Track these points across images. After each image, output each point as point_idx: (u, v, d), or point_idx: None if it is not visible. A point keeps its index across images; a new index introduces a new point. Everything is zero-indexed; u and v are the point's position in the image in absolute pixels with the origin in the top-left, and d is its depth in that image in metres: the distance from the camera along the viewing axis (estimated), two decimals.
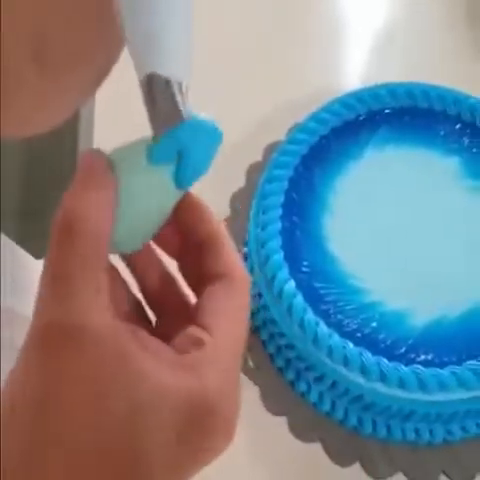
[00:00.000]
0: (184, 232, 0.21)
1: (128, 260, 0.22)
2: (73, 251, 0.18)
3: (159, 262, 0.23)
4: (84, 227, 0.18)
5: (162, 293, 0.22)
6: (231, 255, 0.21)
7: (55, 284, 0.18)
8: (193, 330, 0.19)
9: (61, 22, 0.23)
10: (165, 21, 0.19)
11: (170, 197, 0.21)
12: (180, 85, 0.19)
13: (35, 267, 0.41)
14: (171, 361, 0.18)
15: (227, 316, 0.19)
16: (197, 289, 0.21)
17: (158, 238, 0.22)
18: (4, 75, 0.20)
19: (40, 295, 0.18)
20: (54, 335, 0.17)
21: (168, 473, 0.18)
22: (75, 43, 0.24)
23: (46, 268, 0.18)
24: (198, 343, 0.18)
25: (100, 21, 0.23)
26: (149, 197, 0.20)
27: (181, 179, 0.20)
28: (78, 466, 0.17)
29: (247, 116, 0.46)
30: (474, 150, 0.41)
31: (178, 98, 0.19)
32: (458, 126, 0.41)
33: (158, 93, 0.19)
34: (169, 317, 0.22)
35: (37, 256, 0.45)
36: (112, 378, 0.17)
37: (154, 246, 0.22)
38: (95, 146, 0.45)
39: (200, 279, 0.21)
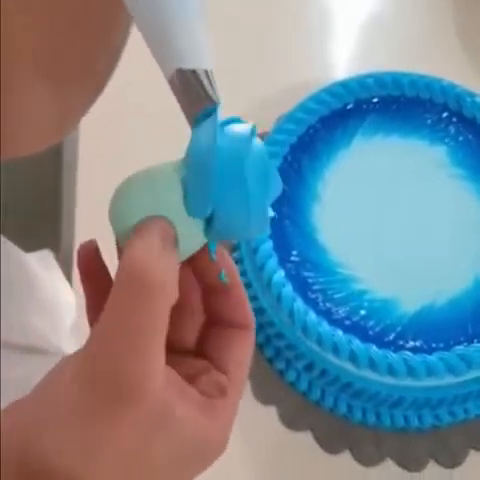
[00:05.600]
0: (198, 269, 0.22)
1: None
2: (152, 310, 0.18)
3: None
4: (164, 290, 0.18)
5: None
6: (249, 308, 0.22)
7: (129, 339, 0.18)
8: (219, 377, 0.20)
9: (64, 37, 0.23)
10: (178, 15, 0.19)
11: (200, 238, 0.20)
12: (206, 72, 0.20)
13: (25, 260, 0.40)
14: (202, 406, 0.20)
15: (243, 368, 0.21)
16: (205, 325, 0.22)
17: None
18: (8, 92, 0.21)
19: (108, 341, 0.18)
20: (111, 388, 0.18)
21: None
22: (77, 57, 0.23)
23: (118, 315, 0.18)
24: (223, 392, 0.20)
25: (101, 32, 0.23)
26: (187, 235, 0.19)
27: (210, 235, 0.20)
28: None
29: (234, 107, 0.46)
30: (460, 138, 0.41)
31: (206, 84, 0.20)
32: (445, 115, 0.41)
33: (188, 86, 0.19)
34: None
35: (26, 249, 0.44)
36: (157, 434, 0.18)
37: None
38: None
39: (211, 317, 0.22)
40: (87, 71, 0.25)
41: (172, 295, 0.19)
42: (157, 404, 0.18)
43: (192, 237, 0.20)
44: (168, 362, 0.19)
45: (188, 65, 0.19)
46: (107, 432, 0.18)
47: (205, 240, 0.20)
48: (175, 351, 0.21)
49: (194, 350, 0.22)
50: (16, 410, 0.19)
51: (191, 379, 0.20)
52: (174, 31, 0.19)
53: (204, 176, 0.19)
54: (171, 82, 0.20)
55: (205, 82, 0.19)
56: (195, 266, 0.22)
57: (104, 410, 0.18)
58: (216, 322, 0.22)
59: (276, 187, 0.21)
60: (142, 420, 0.18)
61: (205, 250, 0.21)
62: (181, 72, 0.19)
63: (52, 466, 0.18)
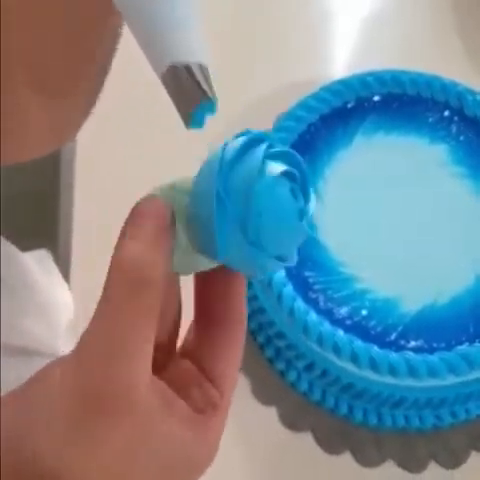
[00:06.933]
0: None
1: None
2: (141, 317, 0.18)
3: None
4: (154, 294, 0.18)
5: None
6: (242, 299, 0.21)
7: (113, 345, 0.18)
8: (211, 391, 0.20)
9: (56, 51, 0.22)
10: (170, 7, 0.18)
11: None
12: (201, 66, 0.18)
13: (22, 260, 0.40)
14: (192, 422, 0.19)
15: (233, 379, 0.21)
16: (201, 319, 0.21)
17: None
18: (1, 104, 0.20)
19: (91, 348, 0.18)
20: (96, 399, 0.18)
21: None
22: (70, 70, 0.23)
23: (99, 318, 0.18)
24: (215, 407, 0.20)
25: (91, 47, 0.23)
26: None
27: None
28: None
29: (234, 105, 0.46)
30: (461, 137, 0.41)
31: (201, 79, 0.18)
32: (446, 113, 0.41)
33: (181, 82, 0.18)
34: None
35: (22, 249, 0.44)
36: (141, 446, 0.18)
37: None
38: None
39: (203, 309, 0.21)
40: (79, 84, 0.24)
41: (157, 294, 0.18)
42: (141, 416, 0.18)
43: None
44: (155, 367, 0.19)
45: (181, 59, 0.18)
46: (91, 444, 0.18)
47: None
48: (162, 353, 0.21)
49: (181, 351, 0.21)
50: (6, 407, 0.19)
51: (181, 390, 0.19)
52: (165, 24, 0.18)
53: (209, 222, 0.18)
54: (163, 79, 0.18)
55: (199, 77, 0.18)
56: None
57: (89, 421, 0.18)
58: (207, 318, 0.21)
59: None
60: (127, 433, 0.18)
61: None
62: (173, 68, 0.18)
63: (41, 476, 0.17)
